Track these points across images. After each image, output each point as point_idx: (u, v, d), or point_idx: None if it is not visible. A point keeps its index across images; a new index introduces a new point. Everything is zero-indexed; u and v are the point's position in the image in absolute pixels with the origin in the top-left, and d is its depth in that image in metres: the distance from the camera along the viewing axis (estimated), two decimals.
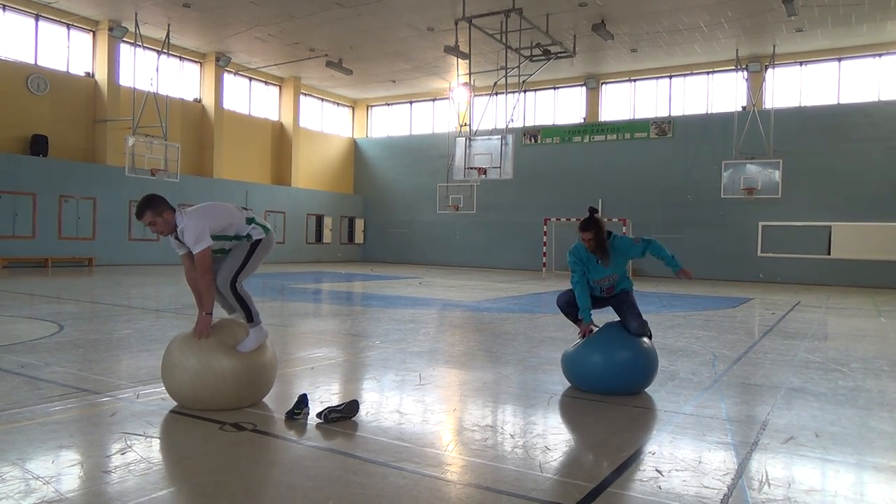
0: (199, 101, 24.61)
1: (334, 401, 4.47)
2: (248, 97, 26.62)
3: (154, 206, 4.15)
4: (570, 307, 5.26)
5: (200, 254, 4.15)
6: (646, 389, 5.07)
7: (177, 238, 4.25)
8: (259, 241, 4.45)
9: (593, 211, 5.08)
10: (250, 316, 4.34)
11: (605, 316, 5.49)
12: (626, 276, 5.27)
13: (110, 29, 20.55)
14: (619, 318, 5.17)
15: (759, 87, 21.94)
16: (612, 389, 4.85)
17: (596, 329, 5.11)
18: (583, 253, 5.11)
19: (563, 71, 24.14)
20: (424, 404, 4.56)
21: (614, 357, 4.86)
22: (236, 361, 4.14)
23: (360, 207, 30.85)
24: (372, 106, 31.04)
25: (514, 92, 19.52)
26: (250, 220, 4.45)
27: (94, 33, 20.90)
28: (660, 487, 3.07)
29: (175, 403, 4.23)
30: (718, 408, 4.62)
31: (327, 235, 29.20)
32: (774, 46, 20.71)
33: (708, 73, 23.46)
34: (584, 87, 25.54)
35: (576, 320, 5.25)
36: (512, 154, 16.61)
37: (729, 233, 22.41)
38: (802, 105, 21.94)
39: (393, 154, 30.18)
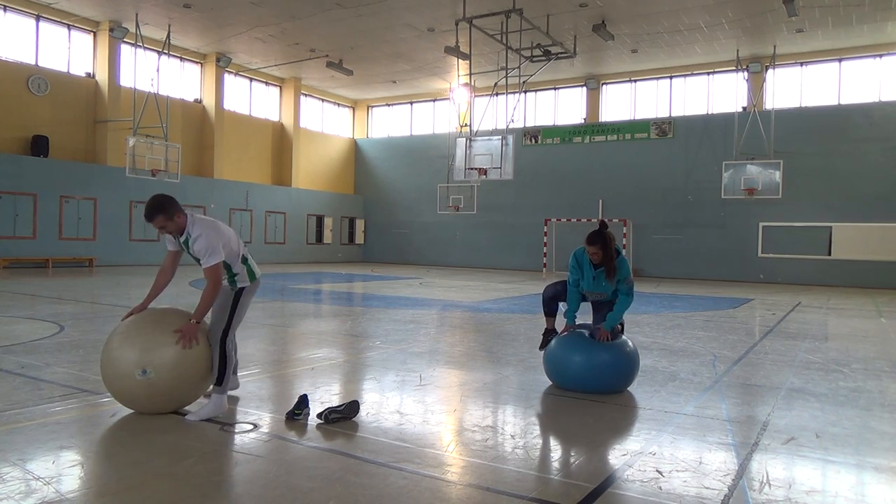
0: (200, 101, 24.61)
1: (335, 401, 4.47)
2: (249, 98, 26.61)
3: (166, 210, 3.96)
4: (552, 301, 5.34)
5: (214, 267, 4.00)
6: (646, 389, 5.08)
7: (175, 237, 4.13)
8: (243, 288, 4.27)
9: (604, 225, 5.03)
10: (221, 378, 4.08)
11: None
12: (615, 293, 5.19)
13: (111, 30, 20.56)
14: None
15: (760, 87, 21.93)
16: (591, 389, 4.88)
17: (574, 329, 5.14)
18: (583, 261, 5.12)
19: (564, 71, 24.15)
20: (425, 405, 4.56)
21: (594, 357, 4.90)
22: (182, 354, 3.93)
23: (360, 208, 30.85)
24: (372, 106, 31.04)
25: (514, 92, 19.52)
26: (244, 260, 4.28)
27: (94, 34, 20.91)
28: (660, 488, 3.07)
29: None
30: (719, 408, 4.62)
31: (328, 236, 29.20)
32: (775, 47, 20.70)
33: (708, 73, 23.44)
34: (584, 88, 25.53)
35: (550, 314, 5.35)
36: (512, 155, 16.59)
37: (729, 233, 22.39)
38: (803, 105, 21.92)
39: (393, 154, 30.17)
